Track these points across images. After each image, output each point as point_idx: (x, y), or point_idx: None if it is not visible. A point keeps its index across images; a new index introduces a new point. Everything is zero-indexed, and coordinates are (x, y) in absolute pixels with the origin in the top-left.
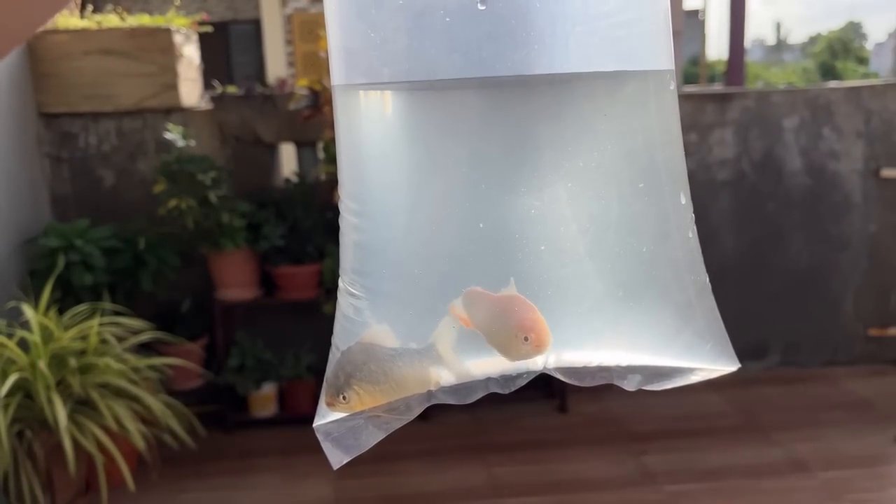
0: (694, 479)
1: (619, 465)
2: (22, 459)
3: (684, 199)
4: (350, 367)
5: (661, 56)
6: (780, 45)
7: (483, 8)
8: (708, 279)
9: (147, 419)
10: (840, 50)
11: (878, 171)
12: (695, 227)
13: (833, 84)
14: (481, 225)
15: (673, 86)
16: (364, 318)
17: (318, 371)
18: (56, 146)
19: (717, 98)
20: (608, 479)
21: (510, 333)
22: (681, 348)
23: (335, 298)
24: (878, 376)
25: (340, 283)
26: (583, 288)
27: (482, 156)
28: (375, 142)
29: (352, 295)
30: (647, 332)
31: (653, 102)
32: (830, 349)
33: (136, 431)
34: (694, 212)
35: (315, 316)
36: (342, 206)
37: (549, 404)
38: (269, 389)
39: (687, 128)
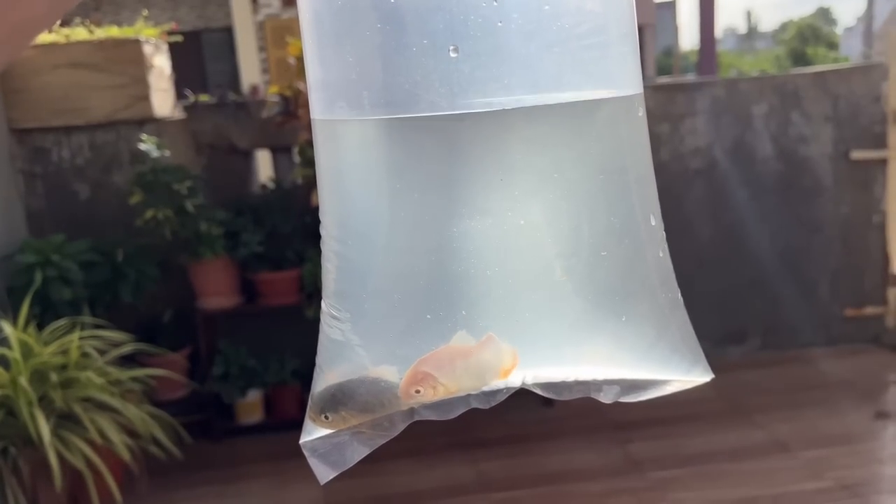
0: (679, 465)
1: (604, 455)
2: (7, 476)
3: (654, 220)
4: (342, 396)
5: (629, 82)
6: (752, 34)
7: (455, 56)
8: (680, 294)
9: (133, 431)
10: (810, 36)
11: (847, 154)
12: (666, 246)
13: (800, 70)
14: (458, 247)
15: (642, 111)
16: (347, 340)
17: (303, 376)
18: (29, 161)
19: (688, 88)
20: (595, 468)
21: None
22: (655, 361)
23: (317, 303)
24: (857, 355)
25: (323, 306)
26: (559, 306)
27: (458, 180)
28: (355, 169)
29: (334, 318)
30: (623, 347)
31: (623, 126)
32: (809, 331)
33: (121, 444)
34: (669, 201)
35: (298, 321)
36: (324, 232)
37: (533, 397)
38: (254, 396)
39: (659, 118)
